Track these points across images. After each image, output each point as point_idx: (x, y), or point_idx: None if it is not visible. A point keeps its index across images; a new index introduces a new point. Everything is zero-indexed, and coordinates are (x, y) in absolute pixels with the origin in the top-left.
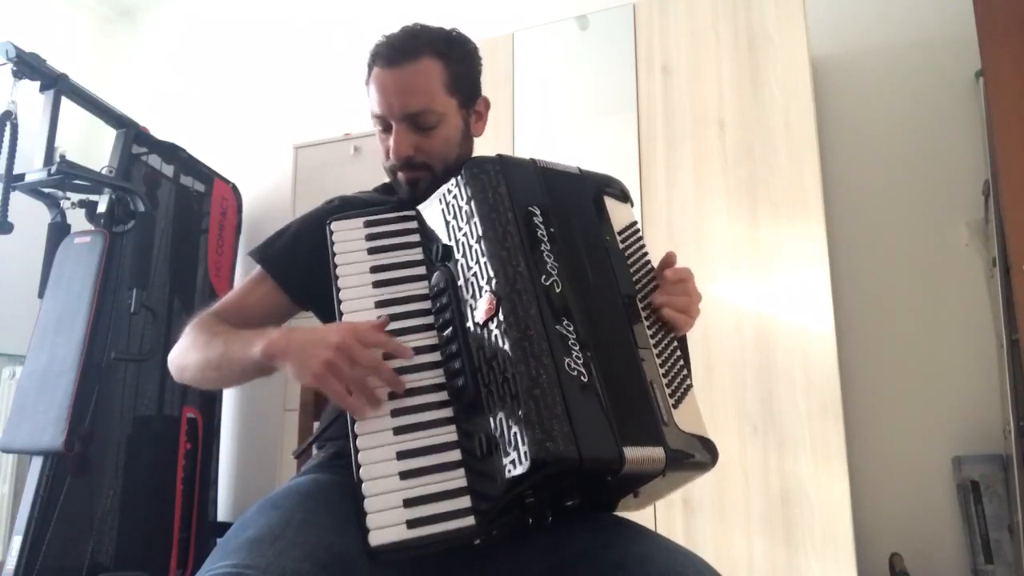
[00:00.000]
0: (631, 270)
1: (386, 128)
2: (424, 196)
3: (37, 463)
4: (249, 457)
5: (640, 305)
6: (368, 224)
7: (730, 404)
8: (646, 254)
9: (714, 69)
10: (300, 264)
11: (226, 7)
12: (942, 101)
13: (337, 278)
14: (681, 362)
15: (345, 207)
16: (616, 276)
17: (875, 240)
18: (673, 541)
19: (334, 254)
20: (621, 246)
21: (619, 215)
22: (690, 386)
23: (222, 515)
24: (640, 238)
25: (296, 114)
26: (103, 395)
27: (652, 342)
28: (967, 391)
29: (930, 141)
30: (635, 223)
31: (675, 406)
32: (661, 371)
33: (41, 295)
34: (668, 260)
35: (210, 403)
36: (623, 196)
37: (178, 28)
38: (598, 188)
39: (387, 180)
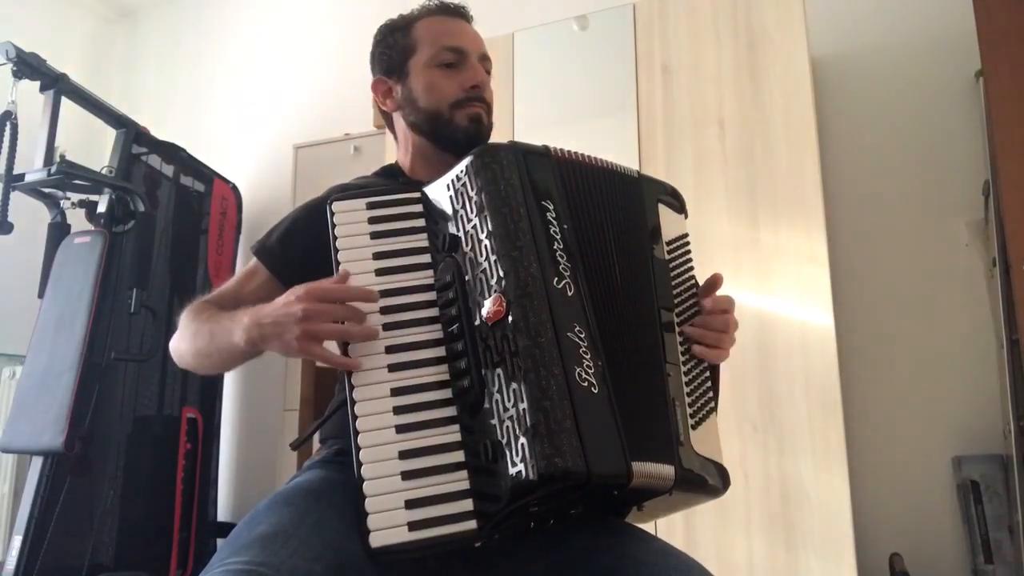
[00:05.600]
0: (672, 284)
1: (457, 63)
2: (481, 139)
3: (37, 463)
4: (249, 457)
5: (676, 320)
6: (371, 206)
7: (730, 404)
8: (691, 269)
9: (714, 69)
10: (296, 253)
11: (226, 8)
12: (942, 101)
13: (339, 264)
14: (708, 383)
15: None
16: (656, 285)
17: (875, 240)
18: (671, 545)
19: (335, 237)
20: (667, 257)
21: (670, 225)
22: (713, 410)
23: (222, 515)
24: (687, 252)
25: (296, 114)
26: (103, 395)
27: (682, 359)
28: (967, 391)
29: (930, 141)
30: (685, 236)
31: (694, 427)
32: (686, 389)
33: (41, 295)
34: (715, 281)
35: (210, 403)
36: (678, 207)
37: (178, 29)
38: (651, 192)
39: (384, 165)
